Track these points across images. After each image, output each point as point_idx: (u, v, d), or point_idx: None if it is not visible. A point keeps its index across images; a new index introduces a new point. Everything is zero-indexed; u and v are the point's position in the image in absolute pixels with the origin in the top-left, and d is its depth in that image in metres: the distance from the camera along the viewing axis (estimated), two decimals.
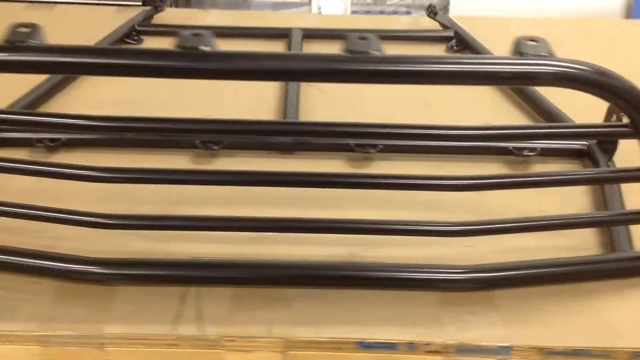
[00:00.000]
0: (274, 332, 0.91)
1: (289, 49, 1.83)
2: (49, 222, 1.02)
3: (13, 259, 0.98)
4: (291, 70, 0.86)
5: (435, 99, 1.49)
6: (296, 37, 1.86)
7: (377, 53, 0.82)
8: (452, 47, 1.90)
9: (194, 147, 1.30)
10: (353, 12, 4.10)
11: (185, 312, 0.94)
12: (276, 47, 1.87)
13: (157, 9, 1.91)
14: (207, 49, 0.83)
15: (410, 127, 1.14)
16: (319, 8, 4.12)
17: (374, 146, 1.30)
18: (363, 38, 0.86)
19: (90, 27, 1.88)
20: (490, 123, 1.31)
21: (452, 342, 0.90)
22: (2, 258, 0.98)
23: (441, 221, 1.03)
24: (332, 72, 0.85)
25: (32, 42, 0.82)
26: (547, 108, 1.44)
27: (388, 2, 4.16)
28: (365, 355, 0.90)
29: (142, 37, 1.86)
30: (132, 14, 1.94)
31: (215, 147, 1.30)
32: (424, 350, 0.90)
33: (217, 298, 0.97)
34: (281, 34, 1.91)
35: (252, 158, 1.30)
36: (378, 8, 4.11)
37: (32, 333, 0.90)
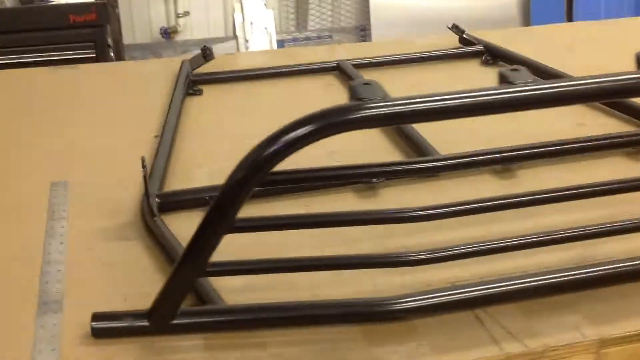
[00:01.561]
0: (587, 334, 0.98)
1: (347, 79, 1.89)
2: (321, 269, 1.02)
3: (311, 312, 0.97)
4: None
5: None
6: (349, 68, 1.92)
7: None
8: (487, 60, 2.03)
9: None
10: (279, 41, 4.17)
11: (493, 331, 0.98)
12: (329, 80, 1.93)
13: (206, 59, 1.90)
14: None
15: None
16: (246, 41, 4.15)
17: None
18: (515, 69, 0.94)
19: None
20: None
21: None
22: (300, 313, 0.97)
23: None
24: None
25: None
26: None
27: (310, 28, 4.26)
28: None
29: (200, 86, 1.84)
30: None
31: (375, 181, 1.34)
32: None
33: (506, 313, 1.01)
34: (331, 67, 1.96)
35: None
36: (302, 35, 4.20)
37: None
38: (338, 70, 1.95)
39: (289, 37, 4.23)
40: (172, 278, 0.92)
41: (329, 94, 1.84)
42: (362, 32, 4.22)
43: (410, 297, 0.99)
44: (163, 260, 1.14)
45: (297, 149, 0.84)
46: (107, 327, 0.96)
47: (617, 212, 1.19)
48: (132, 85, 1.91)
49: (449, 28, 2.16)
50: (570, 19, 4.21)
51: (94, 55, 3.05)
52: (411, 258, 1.04)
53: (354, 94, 0.84)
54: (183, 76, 1.84)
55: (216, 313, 0.97)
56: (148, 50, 4.07)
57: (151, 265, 1.13)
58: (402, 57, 2.01)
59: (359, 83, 0.85)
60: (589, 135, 1.46)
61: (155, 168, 1.38)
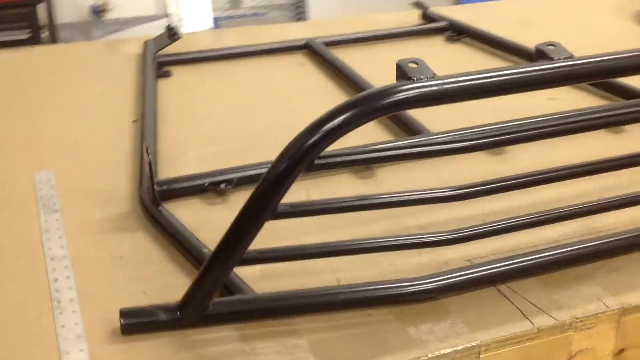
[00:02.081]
0: (609, 304, 1.01)
1: (317, 57, 1.87)
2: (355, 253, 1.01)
3: (343, 297, 0.96)
4: None
5: None
6: (320, 47, 1.89)
7: None
8: (451, 36, 2.05)
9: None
10: (215, 19, 4.08)
11: (521, 306, 1.00)
12: (299, 59, 1.90)
13: (172, 39, 1.83)
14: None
15: None
16: (180, 19, 4.05)
17: None
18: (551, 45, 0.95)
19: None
20: None
21: None
22: (333, 298, 0.96)
23: None
24: None
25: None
26: None
27: (244, 6, 4.18)
28: None
29: (167, 68, 1.78)
30: None
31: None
32: None
33: (528, 287, 1.03)
34: (301, 45, 1.93)
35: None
36: (239, 12, 4.12)
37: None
38: (307, 48, 1.92)
39: (224, 14, 4.15)
40: (207, 268, 0.89)
41: (301, 74, 1.82)
42: (298, 8, 4.19)
43: (437, 277, 0.99)
44: (173, 251, 1.10)
45: (347, 132, 0.82)
46: (137, 323, 0.92)
47: (609, 185, 1.23)
48: (93, 69, 1.83)
49: (411, 5, 2.16)
50: None
51: (30, 36, 2.89)
52: (435, 239, 1.04)
53: (402, 73, 0.82)
54: (149, 58, 1.77)
55: (249, 302, 0.94)
56: (77, 30, 3.89)
57: (162, 257, 1.09)
58: (370, 34, 2.01)
59: (406, 62, 0.83)
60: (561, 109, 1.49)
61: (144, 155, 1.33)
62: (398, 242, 1.01)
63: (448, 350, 0.93)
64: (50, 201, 1.22)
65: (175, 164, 1.35)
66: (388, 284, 0.99)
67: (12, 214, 1.20)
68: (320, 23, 2.16)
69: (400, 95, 0.80)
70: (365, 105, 0.80)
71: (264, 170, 1.17)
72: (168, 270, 1.06)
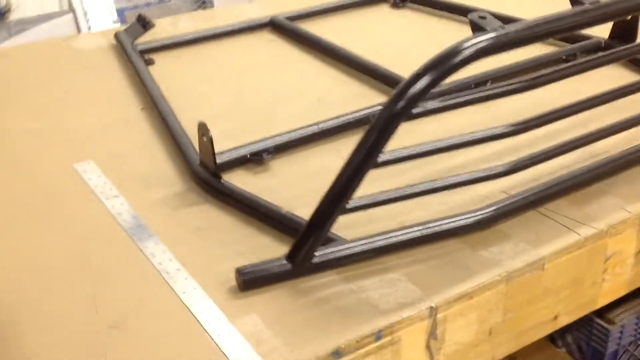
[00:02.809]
0: (631, 210, 1.19)
1: (284, 33, 1.97)
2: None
3: (424, 232, 1.09)
4: None
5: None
6: (284, 22, 2.00)
7: None
8: (396, 3, 2.20)
9: None
10: (118, 10, 4.04)
11: (564, 223, 1.17)
12: (268, 36, 1.99)
13: (146, 28, 1.87)
14: None
15: None
16: (85, 13, 3.97)
17: None
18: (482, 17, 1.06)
19: None
20: None
21: None
22: (415, 235, 1.08)
23: None
24: None
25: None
26: None
27: None
28: None
29: (149, 56, 1.83)
30: None
31: None
32: None
33: (562, 207, 1.20)
34: (266, 22, 2.02)
35: None
36: (143, 1, 4.09)
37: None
38: (271, 25, 2.01)
39: (129, 4, 4.11)
40: (315, 219, 0.99)
41: (275, 49, 1.91)
42: None
43: (492, 206, 1.14)
44: (244, 217, 1.19)
45: (453, 71, 0.94)
46: (254, 278, 1.01)
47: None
48: (72, 65, 1.83)
49: None
50: None
51: None
52: (495, 172, 1.17)
53: (476, 25, 0.95)
54: (129, 48, 1.81)
55: (347, 248, 1.05)
56: None
57: (237, 223, 1.18)
58: (326, 6, 2.13)
59: (476, 16, 0.97)
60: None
61: (177, 136, 1.40)
62: (458, 180, 1.14)
63: (520, 265, 1.08)
64: (106, 188, 1.27)
65: None
66: (454, 217, 1.13)
67: (73, 203, 1.24)
68: (266, 3, 2.25)
69: (484, 44, 0.94)
70: (458, 56, 0.93)
71: (294, 137, 1.33)
72: (249, 234, 1.15)
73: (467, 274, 1.06)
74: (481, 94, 1.10)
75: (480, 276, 1.05)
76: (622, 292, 1.27)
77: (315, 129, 1.40)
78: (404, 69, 1.51)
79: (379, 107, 1.24)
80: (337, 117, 1.44)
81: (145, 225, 1.17)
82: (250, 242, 1.13)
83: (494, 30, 0.95)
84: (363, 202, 1.03)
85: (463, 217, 1.12)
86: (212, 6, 4.12)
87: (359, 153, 0.95)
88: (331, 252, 1.04)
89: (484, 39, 0.94)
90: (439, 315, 1.00)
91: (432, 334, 1.01)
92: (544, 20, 1.00)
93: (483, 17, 0.97)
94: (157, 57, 1.83)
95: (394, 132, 0.95)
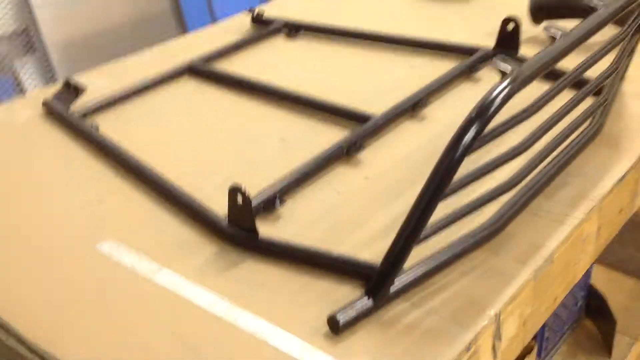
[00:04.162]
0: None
1: (206, 78, 2.05)
2: None
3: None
4: None
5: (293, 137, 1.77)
6: (202, 65, 2.08)
7: None
8: (290, 34, 2.35)
9: None
10: None
11: (541, 217, 1.40)
12: (191, 83, 2.06)
13: (78, 94, 1.85)
14: None
15: None
16: None
17: None
18: None
19: None
20: None
21: None
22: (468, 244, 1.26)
23: None
24: None
25: None
26: None
27: None
28: None
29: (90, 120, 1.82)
30: None
31: None
32: None
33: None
34: (184, 69, 2.09)
35: None
36: None
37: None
38: (190, 71, 2.07)
39: None
40: (392, 253, 1.13)
41: (207, 96, 1.99)
42: (27, 36, 4.00)
43: (502, 212, 1.34)
44: (293, 265, 1.29)
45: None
46: (348, 321, 1.12)
47: None
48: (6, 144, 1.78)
49: (247, 11, 2.40)
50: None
51: None
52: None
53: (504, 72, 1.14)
54: (72, 116, 1.79)
55: (412, 273, 1.19)
56: None
57: (291, 274, 1.27)
58: (228, 46, 2.22)
59: (500, 63, 1.15)
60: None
61: (184, 200, 1.46)
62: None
63: (542, 262, 1.29)
64: (145, 263, 1.31)
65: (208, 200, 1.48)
66: (479, 229, 1.31)
67: (120, 288, 1.27)
68: (169, 47, 2.31)
69: (510, 89, 1.12)
70: (494, 104, 1.10)
71: (293, 179, 1.48)
72: (306, 282, 1.25)
73: (506, 278, 1.24)
74: None
75: (517, 278, 1.24)
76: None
77: (312, 165, 1.52)
78: (339, 98, 1.82)
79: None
80: (321, 154, 1.57)
81: (210, 290, 1.23)
82: (313, 289, 1.23)
83: (514, 74, 1.14)
84: (429, 230, 1.18)
85: (483, 228, 1.31)
86: (44, 43, 3.98)
87: (429, 189, 1.09)
88: (401, 280, 1.18)
89: (508, 84, 1.12)
90: (501, 318, 1.19)
91: (496, 336, 1.19)
92: (549, 56, 1.21)
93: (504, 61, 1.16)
94: (96, 120, 1.84)
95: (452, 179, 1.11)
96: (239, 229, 1.34)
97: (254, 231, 1.33)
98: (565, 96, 1.39)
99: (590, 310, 2.71)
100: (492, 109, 1.09)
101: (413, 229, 1.13)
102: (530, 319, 1.31)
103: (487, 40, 2.12)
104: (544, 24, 2.15)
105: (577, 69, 1.41)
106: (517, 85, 1.13)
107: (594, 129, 1.58)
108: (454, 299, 1.20)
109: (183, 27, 4.06)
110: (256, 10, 2.38)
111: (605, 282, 2.85)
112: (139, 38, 3.77)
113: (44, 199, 1.55)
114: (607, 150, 1.57)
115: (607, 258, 2.88)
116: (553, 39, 1.35)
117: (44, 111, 1.88)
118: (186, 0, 3.98)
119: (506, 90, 1.12)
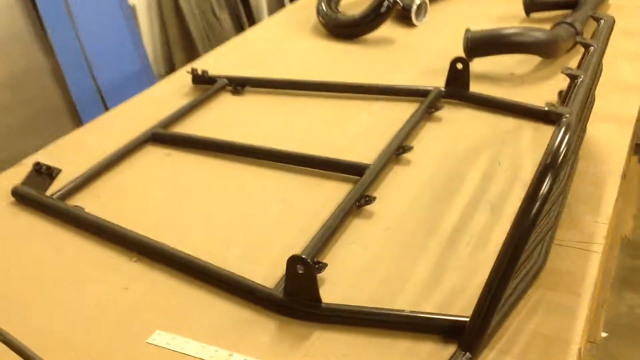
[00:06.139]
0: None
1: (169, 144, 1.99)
2: None
3: None
4: None
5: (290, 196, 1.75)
6: (164, 132, 2.01)
7: None
8: (235, 90, 2.32)
9: None
10: None
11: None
12: (158, 150, 1.98)
13: (53, 177, 1.72)
14: None
15: None
16: None
17: None
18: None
19: None
20: None
21: None
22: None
23: None
24: None
25: None
26: None
27: None
28: None
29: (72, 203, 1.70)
30: None
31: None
32: None
33: None
34: (148, 137, 2.00)
35: None
36: None
37: None
38: (154, 139, 1.99)
39: None
40: (483, 303, 1.15)
41: (176, 162, 1.91)
42: None
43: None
44: (361, 329, 1.27)
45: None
46: None
47: None
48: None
49: (188, 72, 2.34)
50: None
51: None
52: None
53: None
54: (50, 201, 1.65)
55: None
56: None
57: (362, 337, 1.25)
58: (188, 105, 2.17)
59: (554, 114, 1.20)
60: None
61: (220, 276, 1.39)
62: None
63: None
64: (211, 351, 1.23)
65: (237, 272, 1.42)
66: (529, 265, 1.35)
67: None
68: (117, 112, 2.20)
69: (574, 122, 1.18)
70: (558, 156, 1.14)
71: (320, 244, 1.46)
72: (385, 343, 1.23)
73: (568, 310, 1.29)
74: None
75: (579, 307, 1.29)
76: None
77: (331, 225, 1.51)
78: (315, 150, 1.83)
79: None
80: (337, 212, 1.56)
81: None
82: (396, 350, 1.22)
83: (564, 123, 1.19)
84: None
85: (532, 263, 1.36)
86: None
87: (504, 260, 1.12)
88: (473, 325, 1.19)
89: (565, 132, 1.17)
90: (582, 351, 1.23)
91: None
92: (584, 98, 1.28)
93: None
94: (76, 200, 1.71)
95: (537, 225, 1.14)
96: (298, 299, 1.30)
97: (318, 300, 1.29)
98: None
99: None
100: (560, 158, 1.14)
101: (502, 278, 1.15)
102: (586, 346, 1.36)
103: (428, 79, 2.22)
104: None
105: None
106: (572, 131, 1.19)
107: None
108: (536, 339, 1.23)
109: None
110: (199, 70, 2.31)
111: None
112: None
113: (66, 298, 1.41)
114: None
115: None
116: (573, 78, 1.41)
117: (15, 199, 1.71)
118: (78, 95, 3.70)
119: (567, 138, 1.17)
